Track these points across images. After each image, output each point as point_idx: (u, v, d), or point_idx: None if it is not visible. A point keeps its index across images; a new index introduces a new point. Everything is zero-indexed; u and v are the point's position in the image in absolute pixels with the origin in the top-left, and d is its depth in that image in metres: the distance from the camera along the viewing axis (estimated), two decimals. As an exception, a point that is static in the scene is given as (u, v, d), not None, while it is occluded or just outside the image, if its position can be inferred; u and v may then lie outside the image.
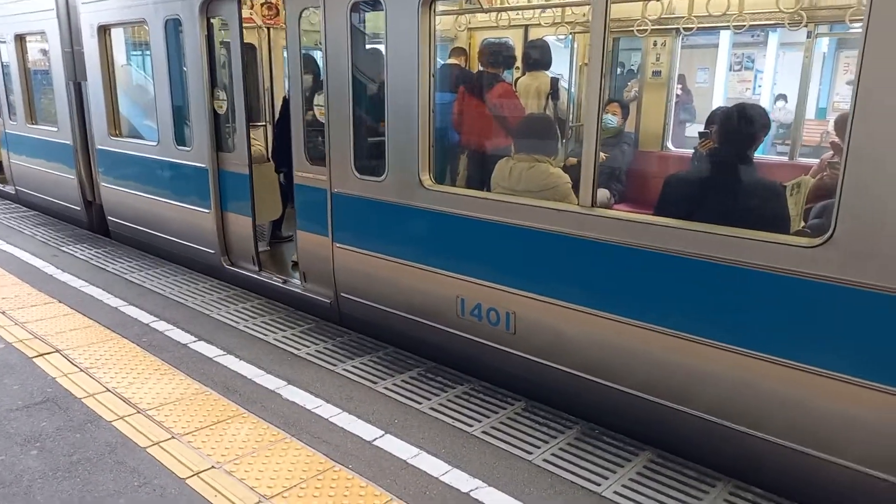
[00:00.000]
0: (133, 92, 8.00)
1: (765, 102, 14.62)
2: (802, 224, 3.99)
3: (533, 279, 3.90)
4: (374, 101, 4.82)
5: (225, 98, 5.90)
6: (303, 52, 5.24)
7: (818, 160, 5.35)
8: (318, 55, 5.27)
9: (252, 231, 5.90)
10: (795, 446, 3.02)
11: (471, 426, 3.70)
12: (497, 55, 5.99)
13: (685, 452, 3.42)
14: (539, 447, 3.49)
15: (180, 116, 6.47)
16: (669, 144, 6.88)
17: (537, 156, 4.15)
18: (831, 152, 4.95)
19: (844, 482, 2.90)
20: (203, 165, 6.13)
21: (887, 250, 2.64)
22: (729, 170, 3.44)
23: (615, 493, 3.11)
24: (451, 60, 6.67)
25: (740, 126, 3.47)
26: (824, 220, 3.59)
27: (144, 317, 5.26)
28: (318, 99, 5.17)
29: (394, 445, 3.49)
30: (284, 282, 5.77)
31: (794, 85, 6.42)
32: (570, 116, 7.03)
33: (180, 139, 6.46)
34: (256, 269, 5.94)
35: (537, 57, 6.08)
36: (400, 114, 4.37)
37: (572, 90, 7.27)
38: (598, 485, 3.17)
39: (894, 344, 2.68)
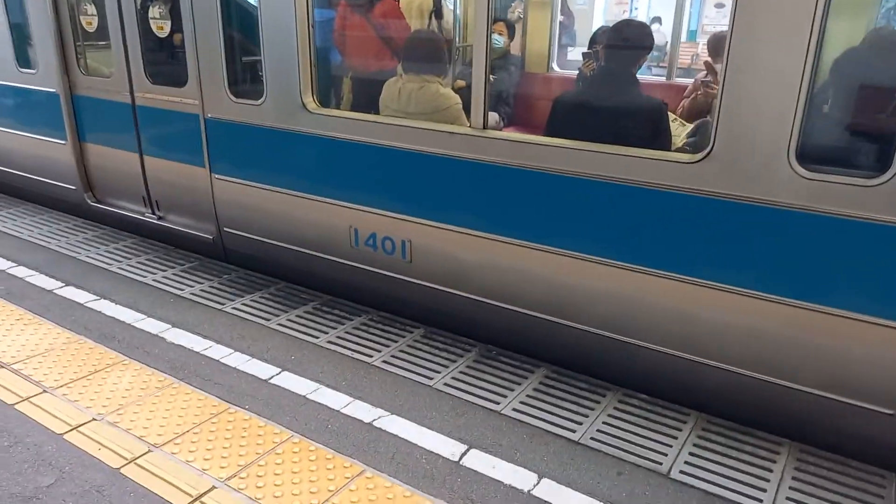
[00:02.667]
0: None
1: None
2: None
3: (427, 206, 3.82)
4: (247, 13, 4.42)
5: (94, 13, 5.18)
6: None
7: (692, 80, 5.54)
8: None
9: (141, 168, 5.33)
10: (678, 353, 3.21)
11: (370, 357, 3.65)
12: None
13: (577, 367, 3.56)
14: (439, 372, 3.52)
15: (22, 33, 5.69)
16: (555, 66, 6.89)
17: (427, 76, 3.99)
18: (704, 72, 5.13)
19: (720, 382, 3.13)
20: (52, 90, 5.46)
21: (759, 164, 2.77)
22: (613, 89, 3.45)
23: (514, 409, 3.20)
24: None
25: (623, 44, 3.47)
26: (698, 137, 3.74)
27: (0, 262, 4.73)
28: (153, 10, 4.74)
29: (292, 382, 3.39)
30: (160, 218, 5.35)
31: (670, 8, 6.55)
32: (456, 37, 6.84)
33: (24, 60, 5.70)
34: (149, 210, 5.39)
35: (419, -27, 5.79)
36: (277, 30, 4.03)
37: (457, 10, 7.04)
38: (498, 403, 3.25)
39: (765, 253, 2.85)
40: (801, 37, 2.58)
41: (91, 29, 5.28)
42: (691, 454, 2.92)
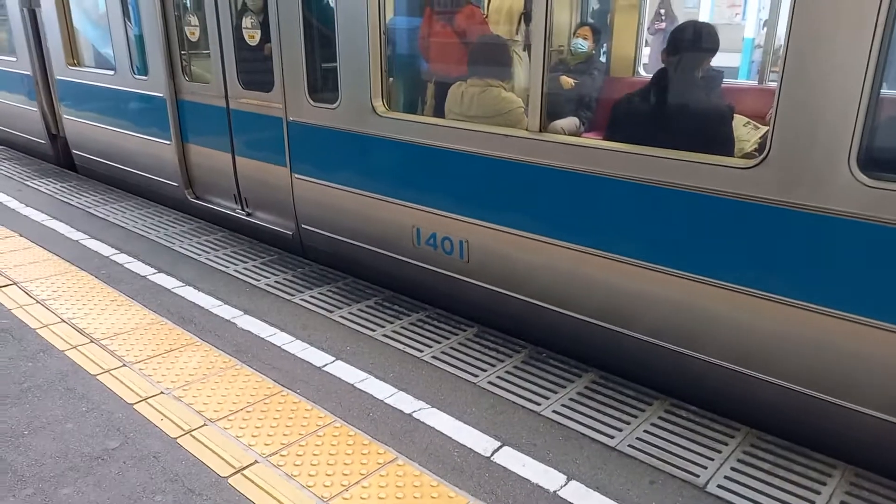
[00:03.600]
0: (93, 18, 7.73)
1: (751, 28, 14.30)
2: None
3: (485, 207, 3.88)
4: (325, 23, 4.67)
5: (196, 24, 5.67)
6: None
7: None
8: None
9: (233, 168, 5.70)
10: (732, 366, 3.09)
11: (421, 352, 3.76)
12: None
13: (627, 373, 3.50)
14: (486, 370, 3.56)
15: (138, 43, 6.27)
16: (641, 70, 6.74)
17: (490, 80, 4.06)
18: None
19: (775, 398, 2.98)
20: (160, 95, 5.98)
21: (816, 171, 2.63)
22: (672, 92, 3.37)
23: (554, 412, 3.20)
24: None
25: (683, 47, 3.38)
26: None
27: (105, 250, 5.24)
28: (246, 21, 5.07)
29: (343, 371, 3.55)
30: (249, 215, 5.73)
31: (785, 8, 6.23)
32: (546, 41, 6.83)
33: (138, 67, 6.28)
34: (239, 207, 5.80)
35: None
36: (350, 37, 4.24)
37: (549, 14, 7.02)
38: (539, 404, 3.25)
39: (827, 264, 2.70)
40: (863, 35, 2.44)
41: (194, 39, 5.75)
42: (733, 469, 2.80)
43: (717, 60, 3.93)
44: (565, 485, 2.71)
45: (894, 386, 2.64)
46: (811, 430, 2.92)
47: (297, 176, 5.02)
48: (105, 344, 3.76)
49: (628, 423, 3.12)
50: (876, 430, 2.73)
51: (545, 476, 2.75)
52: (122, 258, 5.08)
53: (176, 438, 2.96)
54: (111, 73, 6.57)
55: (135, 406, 3.19)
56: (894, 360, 2.61)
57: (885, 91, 2.57)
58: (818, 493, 2.67)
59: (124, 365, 3.55)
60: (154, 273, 4.81)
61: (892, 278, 2.55)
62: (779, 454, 2.90)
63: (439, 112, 4.37)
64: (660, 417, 3.17)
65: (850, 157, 2.54)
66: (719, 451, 2.92)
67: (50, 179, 7.34)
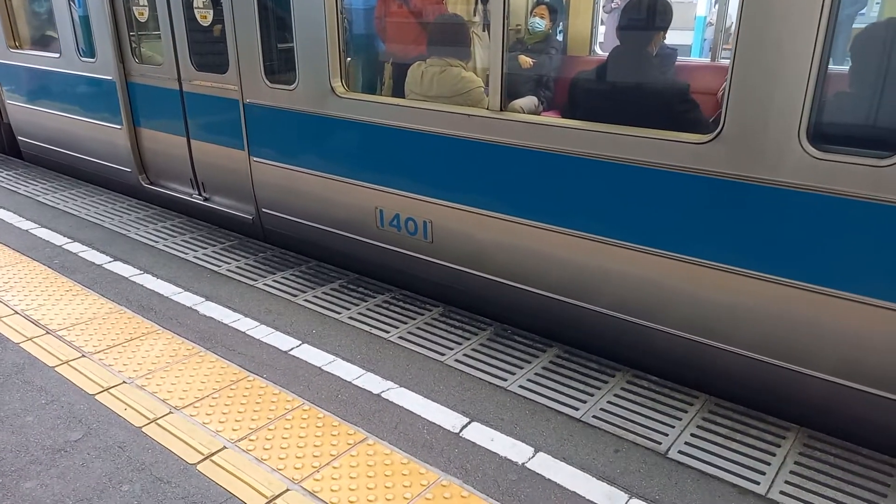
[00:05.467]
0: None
1: (702, 5, 14.48)
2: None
3: (447, 187, 3.89)
4: (280, 3, 4.58)
5: (145, 4, 5.48)
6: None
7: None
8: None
9: (188, 152, 5.58)
10: (688, 335, 3.18)
11: (388, 332, 3.77)
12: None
13: (590, 347, 3.57)
14: (452, 349, 3.60)
15: (84, 24, 6.05)
16: (598, 49, 6.79)
17: (450, 60, 4.05)
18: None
19: (732, 365, 3.09)
20: (109, 78, 5.80)
21: (768, 145, 2.71)
22: (628, 68, 3.42)
23: (520, 386, 3.25)
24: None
25: (634, 23, 3.43)
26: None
27: (57, 239, 5.09)
28: (198, 1, 4.96)
29: (310, 354, 3.54)
30: (206, 199, 5.62)
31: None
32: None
33: (84, 49, 6.07)
34: (196, 192, 5.68)
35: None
36: (307, 16, 4.17)
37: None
38: (505, 380, 3.31)
39: (778, 234, 2.79)
40: (812, 12, 2.51)
41: (143, 19, 5.57)
42: (693, 435, 2.91)
43: (670, 38, 4.00)
44: (533, 457, 2.76)
45: (846, 350, 2.76)
46: (767, 395, 3.04)
47: (255, 159, 4.94)
48: (62, 335, 3.67)
49: (592, 395, 3.19)
50: (827, 393, 2.86)
51: (513, 449, 2.81)
52: (75, 247, 4.94)
53: (141, 427, 2.92)
54: (56, 55, 6.33)
55: (96, 397, 3.13)
56: (846, 325, 2.73)
57: (832, 67, 2.66)
58: (773, 454, 2.79)
59: (83, 356, 3.47)
60: (110, 261, 4.70)
61: (843, 248, 2.66)
62: (736, 419, 3.01)
63: (399, 92, 4.35)
64: (622, 388, 3.25)
65: (801, 132, 2.63)
66: (679, 419, 3.02)
67: (-6, 167, 7.07)
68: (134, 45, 5.72)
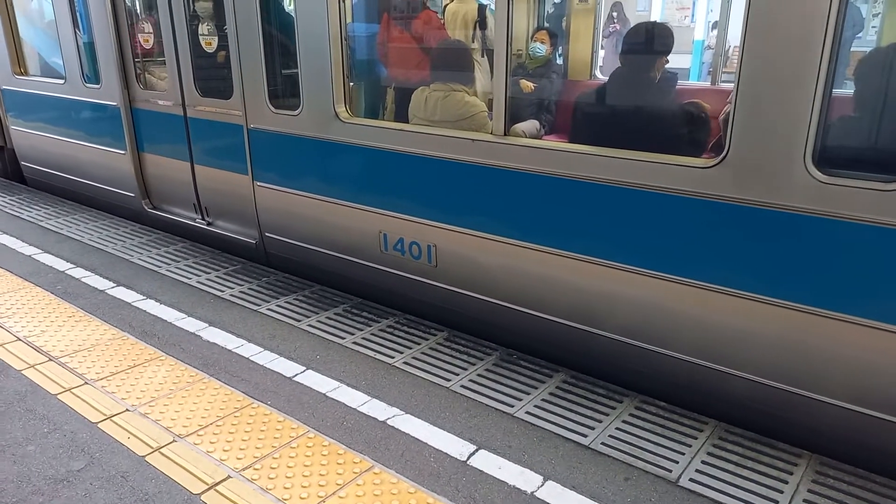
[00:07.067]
0: (41, 25, 7.49)
1: (700, 30, 14.64)
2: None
3: (451, 211, 3.89)
4: (285, 30, 4.63)
5: (150, 31, 5.53)
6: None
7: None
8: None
9: (192, 177, 5.58)
10: (696, 360, 3.15)
11: (392, 358, 3.74)
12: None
13: (598, 372, 3.54)
14: (458, 374, 3.57)
15: (89, 51, 6.10)
16: (598, 73, 6.85)
17: (453, 84, 4.07)
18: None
19: (742, 392, 3.06)
20: (114, 104, 5.83)
21: (773, 169, 2.71)
22: (630, 93, 3.44)
23: (527, 412, 3.22)
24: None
25: (637, 48, 3.45)
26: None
27: (60, 264, 5.07)
28: (203, 28, 4.99)
29: (314, 380, 3.51)
30: (209, 224, 5.62)
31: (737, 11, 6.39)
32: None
33: (89, 76, 6.11)
34: (200, 216, 5.68)
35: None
36: (311, 43, 4.20)
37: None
38: (512, 406, 3.27)
39: (785, 258, 2.78)
40: (816, 37, 2.52)
41: (148, 46, 5.62)
42: (704, 462, 2.87)
43: (670, 62, 4.03)
44: (542, 485, 2.72)
45: (858, 376, 2.73)
46: (778, 421, 3.00)
47: (259, 184, 4.95)
48: (64, 362, 3.64)
49: (600, 422, 3.16)
50: (840, 420, 2.82)
51: (521, 477, 2.77)
52: (78, 272, 4.92)
53: (144, 456, 2.88)
54: (61, 81, 6.38)
55: (99, 425, 3.09)
56: (857, 351, 2.70)
57: (837, 91, 2.67)
58: (786, 482, 2.75)
59: (86, 383, 3.44)
60: (113, 287, 4.68)
61: (850, 272, 2.64)
62: (746, 446, 2.97)
63: (402, 117, 4.37)
64: (630, 414, 3.22)
65: (806, 155, 2.63)
66: (689, 446, 2.98)
67: (-3, 193, 7.08)
68: (139, 71, 5.76)
